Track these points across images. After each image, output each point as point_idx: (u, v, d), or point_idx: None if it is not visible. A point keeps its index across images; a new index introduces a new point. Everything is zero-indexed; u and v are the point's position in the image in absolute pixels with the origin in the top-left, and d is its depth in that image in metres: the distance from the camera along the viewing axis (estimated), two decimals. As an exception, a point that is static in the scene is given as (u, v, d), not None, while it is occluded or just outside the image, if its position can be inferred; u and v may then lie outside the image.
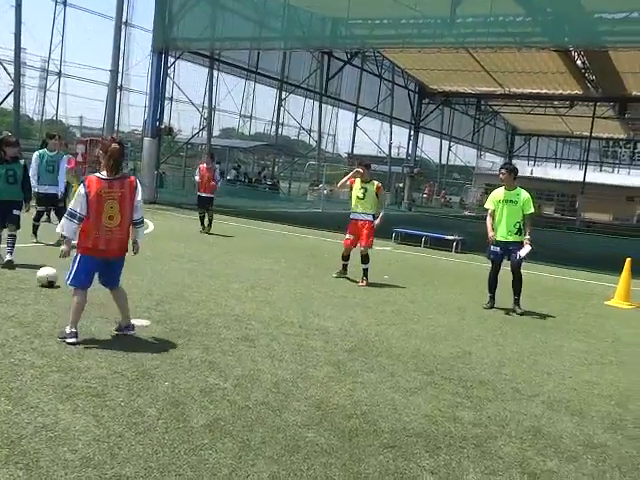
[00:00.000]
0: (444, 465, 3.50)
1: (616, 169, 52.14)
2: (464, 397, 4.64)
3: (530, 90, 33.61)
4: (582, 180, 31.35)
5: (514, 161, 51.37)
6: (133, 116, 69.15)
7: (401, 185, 40.07)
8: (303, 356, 5.23)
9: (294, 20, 21.25)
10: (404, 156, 40.33)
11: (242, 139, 40.81)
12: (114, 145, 5.02)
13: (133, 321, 5.39)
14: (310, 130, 38.34)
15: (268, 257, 10.94)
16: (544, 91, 33.48)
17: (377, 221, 9.41)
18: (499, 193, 8.18)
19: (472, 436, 3.95)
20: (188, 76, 30.87)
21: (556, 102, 35.39)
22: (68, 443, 3.29)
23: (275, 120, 36.61)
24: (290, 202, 30.19)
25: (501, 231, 8.09)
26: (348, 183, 9.47)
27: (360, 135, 40.17)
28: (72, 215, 4.92)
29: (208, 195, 13.80)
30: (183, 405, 3.94)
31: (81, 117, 42.61)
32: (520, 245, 8.02)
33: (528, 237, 8.03)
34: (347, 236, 9.52)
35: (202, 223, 13.75)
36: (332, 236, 15.56)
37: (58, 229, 5.15)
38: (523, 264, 8.19)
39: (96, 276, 5.17)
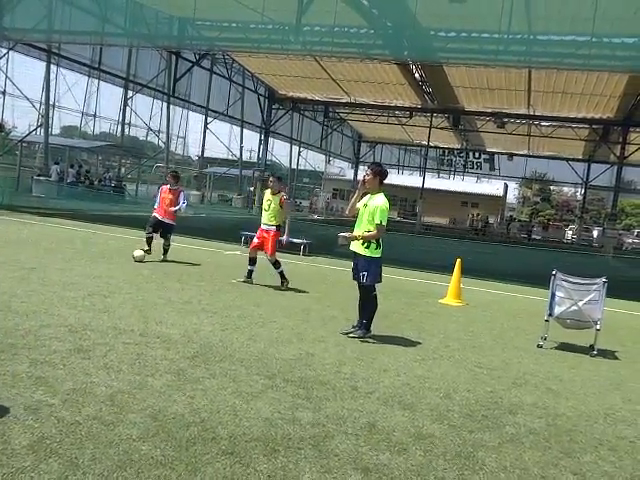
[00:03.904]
0: (281, 467, 3.53)
1: (452, 176, 56.41)
2: (304, 398, 4.73)
3: (374, 99, 35.28)
4: (421, 186, 33.34)
5: (360, 167, 53.62)
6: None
7: (252, 189, 40.23)
8: (142, 365, 5.04)
9: (139, 17, 20.58)
10: (255, 160, 40.63)
11: (86, 139, 38.80)
12: None
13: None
14: (159, 131, 37.35)
15: (110, 263, 10.45)
16: (386, 101, 35.30)
17: (284, 237, 9.94)
18: (365, 197, 7.01)
19: (310, 436, 4.02)
20: (23, 69, 28.75)
21: (397, 112, 37.46)
22: None
23: (121, 120, 35.19)
24: (137, 205, 29.11)
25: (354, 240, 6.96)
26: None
27: (211, 138, 39.91)
28: None
29: (167, 221, 11.82)
30: (3, 425, 3.63)
31: None
32: (368, 261, 6.88)
33: (364, 232, 6.83)
34: (254, 240, 10.16)
35: (149, 244, 11.68)
36: (179, 240, 15.24)
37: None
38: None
39: None
